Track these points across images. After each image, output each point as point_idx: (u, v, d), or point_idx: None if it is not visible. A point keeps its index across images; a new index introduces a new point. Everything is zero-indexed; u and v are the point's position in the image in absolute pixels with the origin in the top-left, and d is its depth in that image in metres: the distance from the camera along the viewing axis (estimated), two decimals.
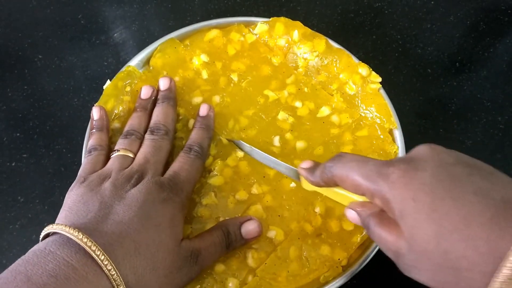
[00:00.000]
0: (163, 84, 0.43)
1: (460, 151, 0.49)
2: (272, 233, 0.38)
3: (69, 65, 0.52)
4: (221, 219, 0.39)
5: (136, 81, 0.44)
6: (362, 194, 0.29)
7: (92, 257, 0.28)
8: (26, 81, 0.51)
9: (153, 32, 0.48)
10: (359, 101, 0.45)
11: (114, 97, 0.43)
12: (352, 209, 0.31)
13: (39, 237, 0.43)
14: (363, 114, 0.44)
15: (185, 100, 0.44)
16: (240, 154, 0.41)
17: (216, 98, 0.44)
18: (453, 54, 0.54)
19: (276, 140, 0.43)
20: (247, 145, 0.41)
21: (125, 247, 0.30)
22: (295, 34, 0.46)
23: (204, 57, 0.46)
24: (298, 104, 0.44)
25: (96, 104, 0.43)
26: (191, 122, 0.43)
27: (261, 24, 0.47)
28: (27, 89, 0.51)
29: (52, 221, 0.44)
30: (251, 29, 0.48)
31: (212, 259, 0.36)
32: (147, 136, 0.39)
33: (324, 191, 0.34)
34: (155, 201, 0.33)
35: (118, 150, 0.37)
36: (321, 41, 0.46)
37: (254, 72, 0.46)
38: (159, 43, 0.46)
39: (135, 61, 0.46)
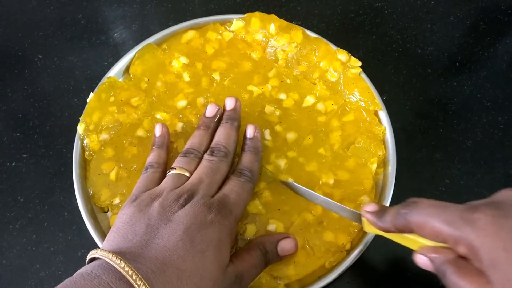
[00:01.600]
0: (229, 104, 0.41)
1: (460, 151, 0.49)
2: (272, 227, 0.39)
3: (69, 65, 0.52)
4: None
5: (118, 91, 0.44)
6: (443, 241, 0.28)
7: (134, 287, 0.28)
8: (26, 81, 0.51)
9: (153, 32, 0.48)
10: (342, 87, 0.45)
11: (99, 109, 0.43)
12: (424, 255, 0.29)
13: (39, 237, 0.44)
14: (347, 99, 0.45)
15: (169, 105, 0.44)
16: None
17: (201, 100, 0.44)
18: (453, 54, 0.54)
19: (267, 134, 0.43)
20: (302, 187, 0.39)
21: (167, 276, 0.29)
22: (272, 28, 0.47)
23: (183, 59, 0.46)
24: (282, 96, 0.45)
25: (81, 117, 0.43)
26: (179, 125, 0.43)
27: (236, 21, 0.48)
28: (27, 89, 0.51)
29: (52, 221, 0.44)
30: (227, 27, 0.48)
31: (252, 280, 0.35)
32: (206, 156, 0.38)
33: (389, 234, 0.33)
34: (201, 224, 0.32)
35: (174, 168, 0.37)
36: (298, 32, 0.47)
37: (235, 69, 0.46)
38: (136, 50, 0.47)
39: (114, 71, 0.46)
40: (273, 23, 0.47)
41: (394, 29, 0.55)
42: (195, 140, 0.39)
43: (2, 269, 0.43)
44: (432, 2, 0.57)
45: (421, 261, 0.29)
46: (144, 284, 0.28)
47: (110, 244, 0.31)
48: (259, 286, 0.37)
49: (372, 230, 0.34)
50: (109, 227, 0.40)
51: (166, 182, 0.36)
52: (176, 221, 0.32)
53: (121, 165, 0.42)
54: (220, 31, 0.48)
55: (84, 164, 0.43)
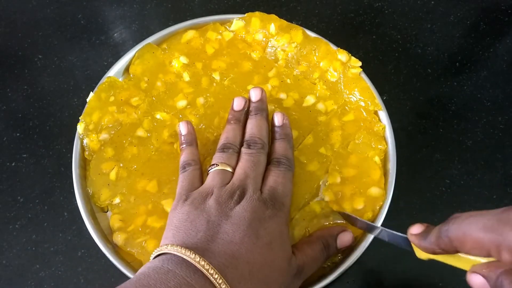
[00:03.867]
0: (255, 95, 0.41)
1: (460, 151, 0.49)
2: None
3: (69, 65, 0.52)
4: None
5: (118, 91, 0.44)
6: (487, 253, 0.25)
7: (210, 280, 0.28)
8: (26, 81, 0.51)
9: (153, 32, 0.48)
10: (342, 87, 0.45)
11: (99, 109, 0.43)
12: (477, 273, 0.26)
13: (39, 237, 0.44)
14: (347, 99, 0.45)
15: (169, 105, 0.44)
16: None
17: (200, 100, 0.44)
18: (453, 54, 0.54)
19: None
20: (359, 218, 0.38)
21: (239, 270, 0.29)
22: (272, 27, 0.47)
23: (183, 59, 0.46)
24: (282, 96, 0.45)
25: (81, 117, 0.43)
26: None
27: (236, 21, 0.48)
28: (27, 89, 0.51)
29: (52, 221, 0.44)
30: (227, 27, 0.48)
31: (311, 273, 0.35)
32: (244, 150, 0.38)
33: (442, 257, 0.29)
34: (262, 218, 0.32)
35: (217, 165, 0.37)
36: (298, 32, 0.47)
37: (235, 69, 0.46)
38: (136, 49, 0.46)
39: (114, 71, 0.46)
40: (273, 23, 0.47)
41: (394, 29, 0.55)
42: (229, 134, 0.39)
43: (2, 269, 0.43)
44: (432, 2, 0.57)
45: (475, 280, 0.26)
46: (220, 277, 0.28)
47: (172, 240, 0.31)
48: None
49: (424, 256, 0.30)
50: (109, 227, 0.40)
51: (213, 179, 0.36)
52: (236, 217, 0.32)
53: (121, 165, 0.41)
54: (220, 31, 0.48)
55: (84, 164, 0.43)
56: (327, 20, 0.55)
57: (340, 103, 0.45)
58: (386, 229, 0.35)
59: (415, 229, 0.30)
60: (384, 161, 0.43)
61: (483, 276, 0.25)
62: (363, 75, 0.45)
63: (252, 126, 0.40)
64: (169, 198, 0.40)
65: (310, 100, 0.45)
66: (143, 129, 0.43)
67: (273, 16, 0.47)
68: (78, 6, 0.56)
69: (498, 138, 0.49)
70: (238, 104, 0.41)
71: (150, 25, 0.55)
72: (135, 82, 0.45)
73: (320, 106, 0.44)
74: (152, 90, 0.45)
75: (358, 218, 0.38)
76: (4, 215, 0.45)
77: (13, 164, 0.47)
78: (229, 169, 0.36)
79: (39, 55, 0.53)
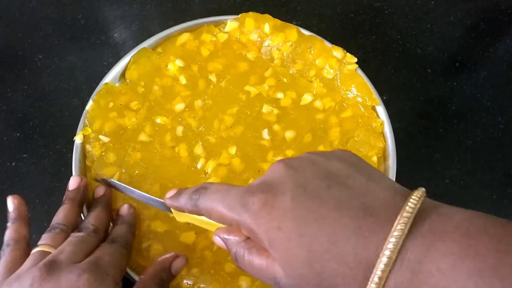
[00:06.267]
0: (99, 191, 0.39)
1: (460, 151, 0.49)
2: None
3: (69, 65, 0.52)
4: None
5: (116, 96, 0.44)
6: (229, 225, 0.29)
7: None
8: (26, 81, 0.51)
9: (153, 32, 0.48)
10: (339, 84, 0.45)
11: (100, 117, 0.43)
12: (219, 236, 0.30)
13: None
14: (344, 96, 0.45)
15: (168, 109, 0.44)
16: (232, 151, 0.42)
17: (198, 102, 0.44)
18: (453, 54, 0.54)
19: (265, 133, 0.43)
20: (118, 182, 0.39)
21: None
22: (266, 27, 0.47)
23: (179, 62, 0.46)
24: (280, 95, 0.45)
25: (81, 131, 0.42)
26: (179, 129, 0.43)
27: (230, 22, 0.48)
28: (27, 89, 0.51)
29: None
30: (221, 28, 0.48)
31: None
32: (72, 234, 0.35)
33: (193, 219, 0.33)
34: None
35: (38, 246, 0.34)
36: (293, 31, 0.47)
37: (232, 70, 0.46)
38: (131, 55, 0.46)
39: (110, 76, 0.45)
40: (267, 23, 0.47)
41: (394, 29, 0.55)
42: (59, 215, 0.37)
43: None
44: (432, 2, 0.57)
45: (217, 241, 0.30)
46: None
47: None
48: None
49: (181, 219, 0.34)
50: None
51: (27, 261, 0.32)
52: None
53: (123, 170, 0.41)
54: (215, 33, 0.48)
55: (85, 171, 0.42)
56: (327, 20, 0.55)
57: (338, 100, 0.45)
58: (144, 194, 0.37)
59: (169, 193, 0.33)
60: (384, 157, 0.43)
61: (222, 240, 0.29)
62: (359, 71, 0.45)
63: (91, 216, 0.37)
64: None
65: (307, 98, 0.45)
66: (146, 134, 0.43)
67: (267, 15, 0.47)
68: (78, 6, 0.56)
69: (498, 138, 0.49)
70: (72, 183, 0.39)
71: (150, 25, 0.55)
72: (131, 87, 0.45)
73: (318, 103, 0.45)
74: (149, 94, 0.45)
75: (117, 182, 0.38)
76: (4, 215, 0.45)
77: (13, 164, 0.47)
78: (51, 250, 0.33)
79: (39, 55, 0.53)
